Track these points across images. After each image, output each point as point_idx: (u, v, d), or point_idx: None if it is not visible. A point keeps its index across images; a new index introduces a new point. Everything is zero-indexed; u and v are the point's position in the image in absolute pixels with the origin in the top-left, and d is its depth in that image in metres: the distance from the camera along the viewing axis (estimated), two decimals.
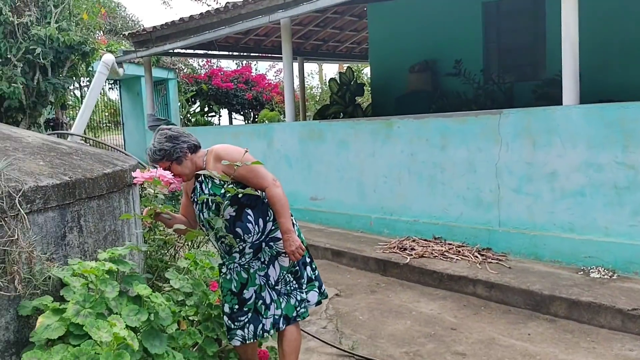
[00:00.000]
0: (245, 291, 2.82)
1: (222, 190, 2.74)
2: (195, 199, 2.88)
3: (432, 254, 5.32)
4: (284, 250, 2.79)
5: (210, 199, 2.78)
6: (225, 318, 2.84)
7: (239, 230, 2.78)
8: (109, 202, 2.97)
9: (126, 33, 8.32)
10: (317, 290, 2.98)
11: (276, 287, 2.84)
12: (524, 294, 4.29)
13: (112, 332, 2.14)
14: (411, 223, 6.05)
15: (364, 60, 13.66)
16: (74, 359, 2.08)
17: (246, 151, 2.74)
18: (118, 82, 14.86)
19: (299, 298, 2.89)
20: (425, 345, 3.68)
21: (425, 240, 5.78)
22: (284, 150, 7.25)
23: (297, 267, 2.88)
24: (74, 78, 8.98)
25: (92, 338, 2.14)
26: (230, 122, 18.40)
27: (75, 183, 2.69)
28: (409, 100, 9.15)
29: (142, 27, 8.96)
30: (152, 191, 2.72)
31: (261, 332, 2.82)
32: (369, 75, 21.29)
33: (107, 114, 16.07)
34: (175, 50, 8.82)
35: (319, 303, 2.99)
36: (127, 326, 2.28)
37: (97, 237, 2.85)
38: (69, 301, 2.30)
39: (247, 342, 2.82)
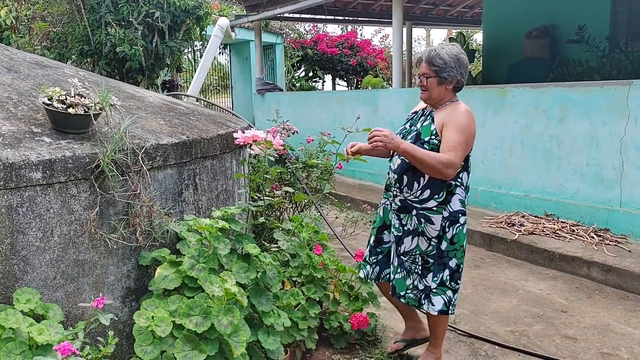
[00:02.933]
0: (385, 232, 2.85)
1: (428, 138, 2.62)
2: (406, 125, 2.82)
3: (542, 231, 5.03)
4: (429, 235, 2.66)
5: (415, 133, 2.69)
6: (367, 246, 2.96)
7: (404, 178, 2.67)
8: (221, 162, 3.06)
9: None
10: (445, 300, 2.69)
11: (402, 257, 2.76)
12: None
13: (223, 287, 2.22)
14: (521, 198, 5.74)
15: (475, 25, 13.00)
16: (188, 310, 2.19)
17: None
18: (228, 46, 15.30)
19: (416, 284, 2.73)
20: (532, 326, 3.51)
21: (535, 216, 5.47)
22: (389, 117, 7.12)
23: (432, 259, 2.68)
24: (189, 41, 9.38)
25: (205, 292, 2.23)
26: (334, 88, 18.39)
27: (192, 143, 2.78)
28: (523, 68, 8.59)
29: None
30: (259, 151, 2.75)
31: (385, 278, 2.87)
32: (477, 42, 20.34)
33: (216, 77, 16.68)
34: (285, 15, 8.88)
35: (442, 312, 2.69)
36: (237, 282, 2.36)
37: (210, 195, 2.95)
38: (184, 255, 2.41)
39: (368, 280, 2.94)
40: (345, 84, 19.00)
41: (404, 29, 11.09)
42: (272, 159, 3.17)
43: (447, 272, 2.69)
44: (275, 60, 15.19)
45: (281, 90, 10.13)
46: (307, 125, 8.50)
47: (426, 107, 2.78)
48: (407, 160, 2.64)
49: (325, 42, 17.09)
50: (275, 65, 15.31)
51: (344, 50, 17.21)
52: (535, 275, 4.46)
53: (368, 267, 2.91)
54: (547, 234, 4.96)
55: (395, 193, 2.75)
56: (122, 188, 2.37)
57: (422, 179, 2.64)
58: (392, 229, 2.78)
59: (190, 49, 18.02)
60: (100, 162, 2.26)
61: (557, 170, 5.43)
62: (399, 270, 2.76)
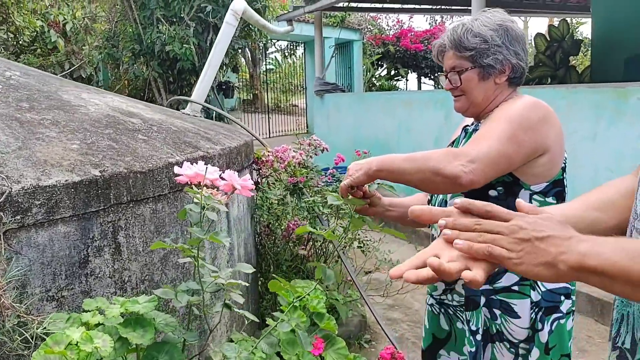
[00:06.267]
0: (441, 355, 1.65)
1: None
2: None
3: None
4: (513, 338, 1.48)
5: None
6: None
7: None
8: (174, 206, 2.02)
9: None
10: None
11: None
12: None
13: None
14: None
15: (582, 13, 11.14)
16: None
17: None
18: (303, 44, 14.43)
19: None
20: None
21: None
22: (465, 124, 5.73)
23: None
24: (247, 39, 8.52)
25: None
26: (419, 87, 17.02)
27: (110, 180, 1.76)
28: None
29: None
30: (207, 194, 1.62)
31: None
32: (584, 35, 18.07)
33: (290, 78, 15.88)
34: (346, 4, 7.72)
35: None
36: None
37: (149, 259, 1.92)
38: None
39: None
40: (432, 82, 17.58)
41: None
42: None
43: None
44: (352, 58, 14.11)
45: (343, 91, 9.00)
46: (368, 132, 7.30)
47: (473, 122, 1.62)
48: None
49: (409, 38, 15.77)
50: (353, 64, 14.24)
51: (430, 46, 15.77)
52: None
53: None
54: None
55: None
56: None
57: None
58: (453, 346, 1.60)
59: (270, 46, 17.43)
60: None
61: None
62: None
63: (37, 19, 8.15)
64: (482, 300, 1.49)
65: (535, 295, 1.45)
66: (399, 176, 1.40)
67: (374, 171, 1.40)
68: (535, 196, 1.45)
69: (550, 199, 1.46)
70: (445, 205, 1.55)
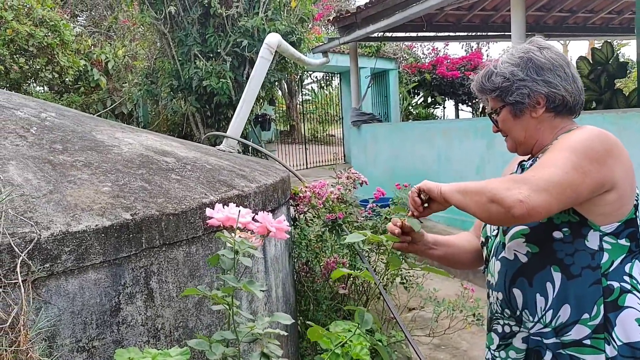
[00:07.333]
0: None
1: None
2: None
3: None
4: None
5: None
6: None
7: (517, 293, 1.39)
8: (208, 248, 1.94)
9: (330, 18, 7.52)
10: None
11: None
12: None
13: None
14: None
15: (625, 34, 10.83)
16: None
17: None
18: (339, 74, 14.49)
19: None
20: None
21: None
22: (509, 154, 5.53)
23: None
24: (282, 72, 8.57)
25: None
26: (457, 114, 16.82)
27: (142, 223, 1.69)
28: None
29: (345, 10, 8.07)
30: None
31: None
32: (627, 56, 17.56)
33: (326, 108, 15.91)
34: (381, 35, 7.67)
35: None
36: None
37: (182, 305, 1.83)
38: None
39: None
40: (470, 109, 17.33)
41: None
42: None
43: None
44: (388, 88, 14.07)
45: (380, 121, 8.89)
46: (406, 163, 7.14)
47: (529, 156, 1.51)
48: (509, 259, 1.38)
49: (445, 65, 15.67)
50: (389, 93, 14.19)
51: (467, 72, 15.60)
52: None
53: None
54: None
55: (507, 330, 1.43)
56: None
57: (550, 285, 1.32)
58: None
59: (306, 77, 17.59)
60: None
61: None
62: None
63: (80, 59, 8.41)
64: (549, 355, 1.33)
65: (610, 351, 1.28)
66: (463, 198, 1.30)
67: (445, 188, 1.35)
68: (606, 238, 1.30)
69: (623, 241, 1.31)
70: (503, 249, 1.41)
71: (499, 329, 1.44)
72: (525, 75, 1.39)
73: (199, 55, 7.83)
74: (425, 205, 1.40)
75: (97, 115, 5.73)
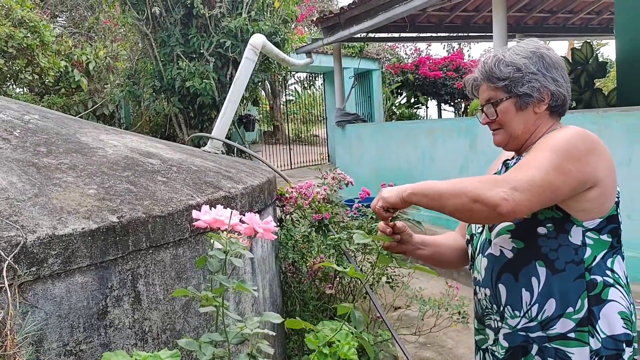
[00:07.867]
0: None
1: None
2: None
3: None
4: None
5: None
6: None
7: (502, 289, 1.41)
8: (195, 250, 1.94)
9: (314, 19, 7.54)
10: None
11: None
12: None
13: None
14: None
15: (604, 34, 11.00)
16: None
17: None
18: (322, 75, 14.50)
19: None
20: None
21: None
22: (491, 152, 5.60)
23: None
24: (266, 72, 8.56)
25: None
26: (439, 114, 16.95)
27: (128, 225, 1.68)
28: None
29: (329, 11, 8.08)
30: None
31: None
32: (606, 56, 17.84)
33: (310, 109, 15.93)
34: (364, 35, 7.69)
35: None
36: None
37: (169, 307, 1.83)
38: None
39: None
40: (452, 109, 17.46)
41: (514, 44, 9.48)
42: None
43: None
44: (371, 88, 14.11)
45: (364, 121, 8.92)
46: (391, 163, 7.18)
47: (514, 156, 1.53)
48: (496, 255, 1.40)
49: (427, 66, 15.77)
50: (372, 93, 14.23)
51: (449, 72, 15.73)
52: None
53: None
54: None
55: (495, 324, 1.45)
56: None
57: (535, 280, 1.35)
58: None
59: (290, 77, 17.56)
60: None
61: None
62: None
63: (61, 60, 8.31)
64: (534, 348, 1.35)
65: (594, 343, 1.31)
66: (434, 202, 1.32)
67: (408, 194, 1.35)
68: (588, 233, 1.33)
69: (605, 237, 1.34)
70: (489, 245, 1.43)
71: (492, 324, 1.46)
72: (537, 69, 1.40)
73: (182, 56, 7.79)
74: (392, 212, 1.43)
75: (78, 117, 5.67)
